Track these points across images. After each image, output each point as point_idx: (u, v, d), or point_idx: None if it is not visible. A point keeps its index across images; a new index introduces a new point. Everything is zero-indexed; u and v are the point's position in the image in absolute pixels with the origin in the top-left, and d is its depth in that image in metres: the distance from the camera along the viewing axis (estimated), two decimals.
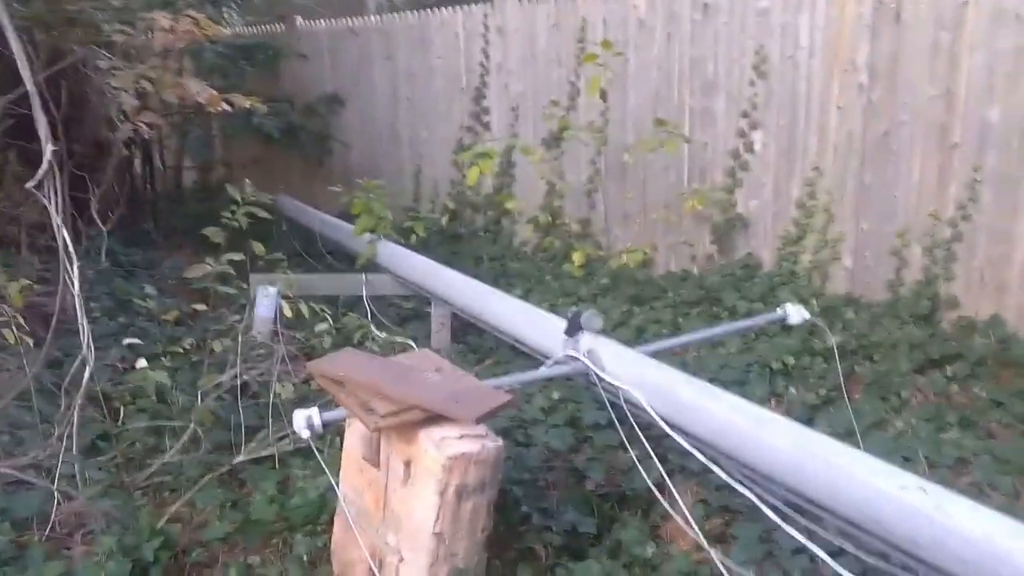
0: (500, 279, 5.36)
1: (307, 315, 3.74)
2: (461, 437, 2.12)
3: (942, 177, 3.92)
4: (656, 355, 2.82)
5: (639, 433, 2.53)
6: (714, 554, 2.06)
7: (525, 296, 4.90)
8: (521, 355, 3.58)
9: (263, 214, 3.67)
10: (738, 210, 4.75)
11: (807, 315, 3.17)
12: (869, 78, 4.09)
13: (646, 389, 2.44)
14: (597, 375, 2.60)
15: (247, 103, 4.98)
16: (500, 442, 2.17)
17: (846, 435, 3.03)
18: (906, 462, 2.94)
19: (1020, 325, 3.77)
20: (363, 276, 4.45)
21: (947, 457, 3.00)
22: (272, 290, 3.97)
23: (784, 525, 1.98)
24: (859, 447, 2.15)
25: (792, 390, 3.57)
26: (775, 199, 4.59)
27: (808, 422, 3.30)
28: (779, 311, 3.21)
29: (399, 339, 3.92)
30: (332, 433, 2.97)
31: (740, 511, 2.58)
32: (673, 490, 2.29)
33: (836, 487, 1.90)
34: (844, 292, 4.33)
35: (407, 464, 2.16)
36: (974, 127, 3.79)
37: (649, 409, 2.37)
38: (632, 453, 2.58)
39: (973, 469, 2.95)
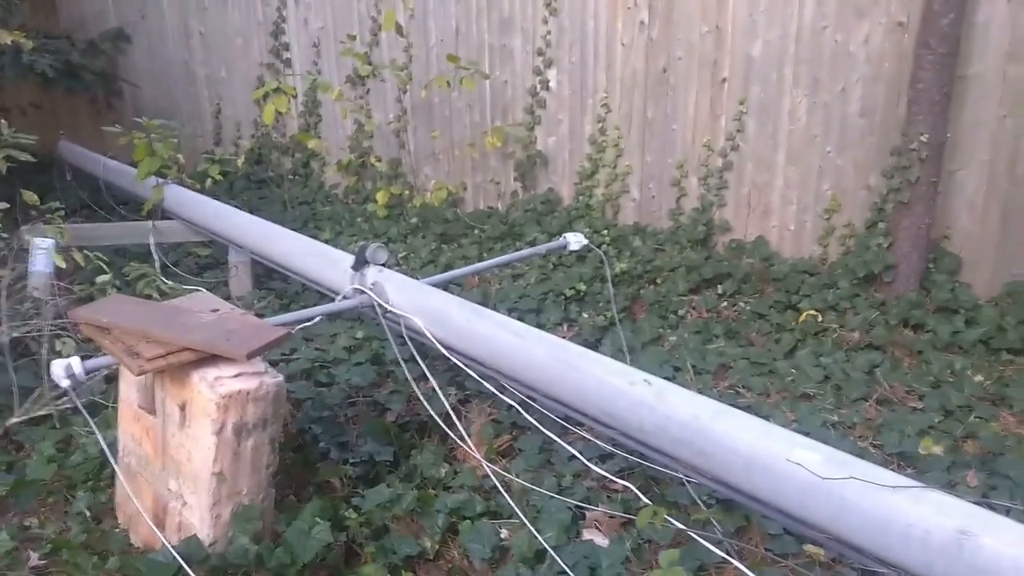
0: (309, 223, 5.27)
1: (84, 266, 3.52)
2: (237, 375, 2.12)
3: (714, 110, 4.23)
4: (453, 287, 2.89)
5: (420, 361, 2.62)
6: (487, 466, 2.20)
7: (334, 239, 4.85)
8: (328, 298, 3.56)
9: (25, 157, 3.36)
10: (538, 147, 4.90)
11: (585, 241, 3.38)
12: (649, 15, 4.30)
13: (426, 317, 2.53)
14: (381, 306, 2.65)
15: (9, 39, 4.51)
16: (280, 378, 2.18)
17: (628, 352, 3.30)
18: (676, 371, 3.25)
19: (781, 245, 4.19)
20: (150, 224, 4.21)
21: (711, 364, 3.33)
22: (48, 242, 3.69)
23: (553, 436, 2.15)
24: (629, 362, 2.35)
25: (584, 315, 3.81)
26: (571, 135, 4.76)
27: (596, 342, 3.55)
28: (561, 239, 3.39)
29: (190, 288, 3.77)
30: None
31: (527, 427, 2.75)
32: (451, 413, 2.40)
33: (581, 389, 2.07)
34: (633, 222, 4.61)
35: (182, 407, 2.14)
36: (740, 62, 4.10)
37: (428, 334, 2.46)
38: (414, 385, 2.67)
39: (732, 373, 3.29)
